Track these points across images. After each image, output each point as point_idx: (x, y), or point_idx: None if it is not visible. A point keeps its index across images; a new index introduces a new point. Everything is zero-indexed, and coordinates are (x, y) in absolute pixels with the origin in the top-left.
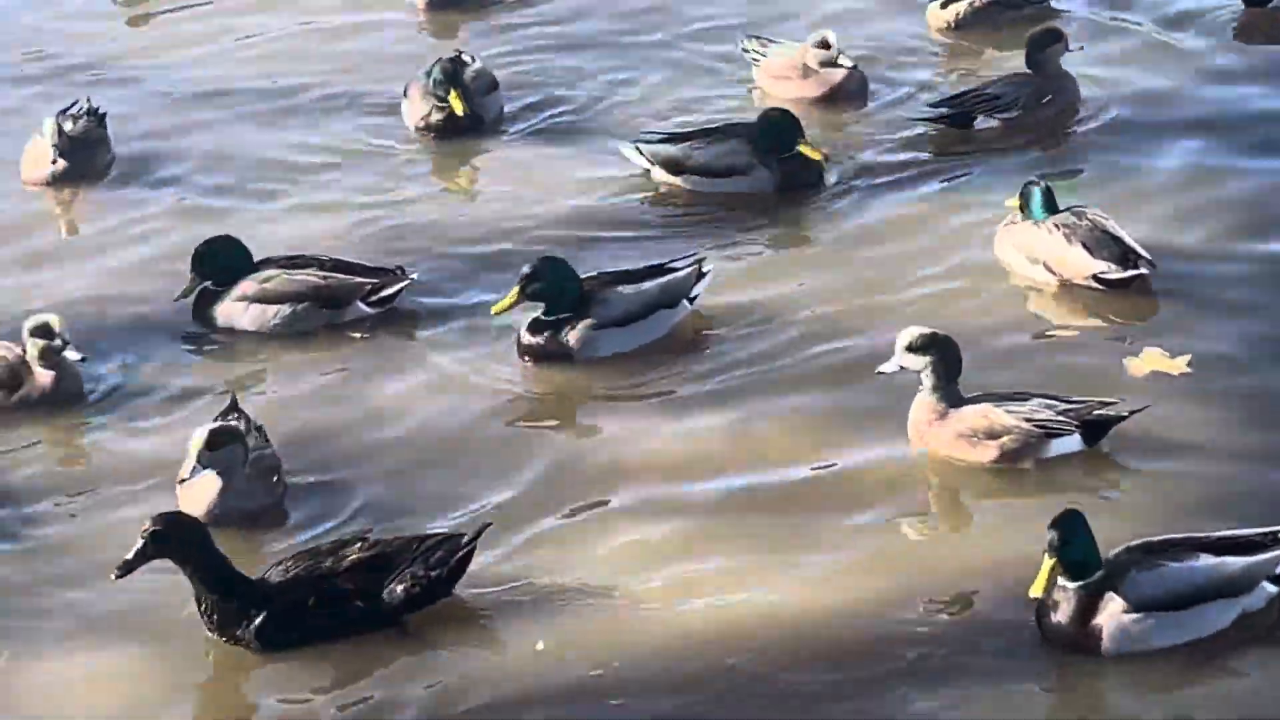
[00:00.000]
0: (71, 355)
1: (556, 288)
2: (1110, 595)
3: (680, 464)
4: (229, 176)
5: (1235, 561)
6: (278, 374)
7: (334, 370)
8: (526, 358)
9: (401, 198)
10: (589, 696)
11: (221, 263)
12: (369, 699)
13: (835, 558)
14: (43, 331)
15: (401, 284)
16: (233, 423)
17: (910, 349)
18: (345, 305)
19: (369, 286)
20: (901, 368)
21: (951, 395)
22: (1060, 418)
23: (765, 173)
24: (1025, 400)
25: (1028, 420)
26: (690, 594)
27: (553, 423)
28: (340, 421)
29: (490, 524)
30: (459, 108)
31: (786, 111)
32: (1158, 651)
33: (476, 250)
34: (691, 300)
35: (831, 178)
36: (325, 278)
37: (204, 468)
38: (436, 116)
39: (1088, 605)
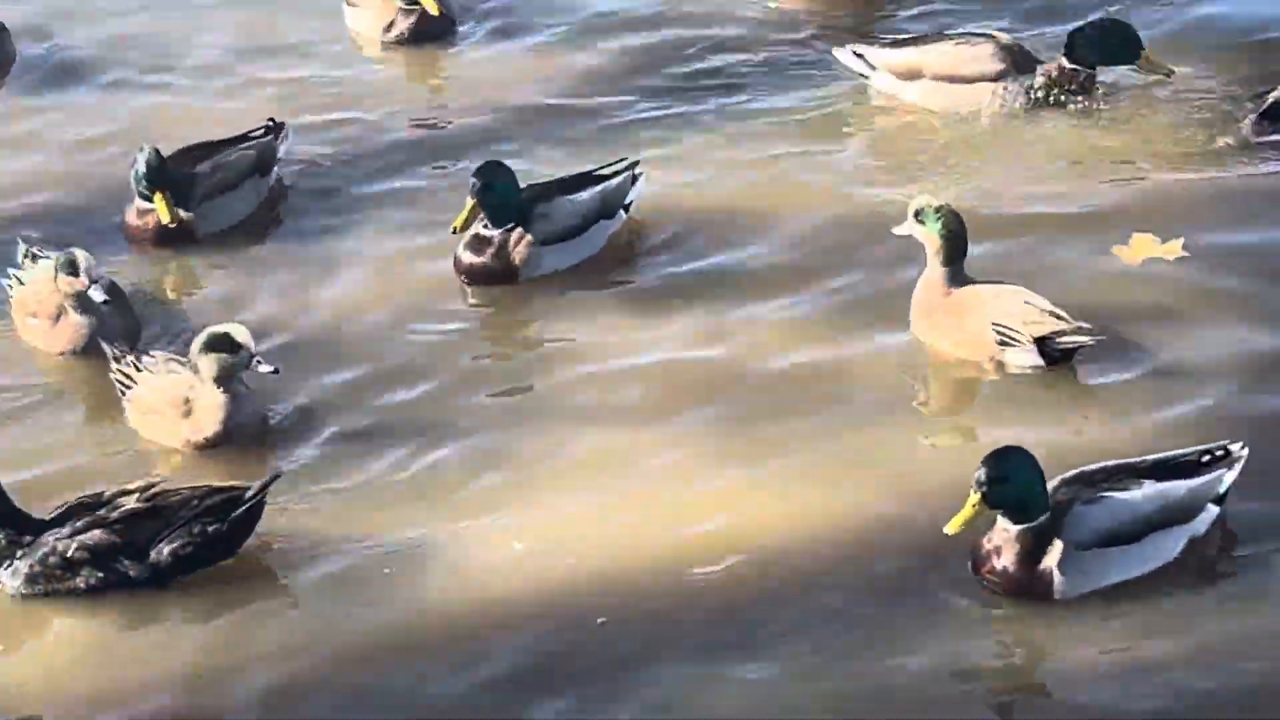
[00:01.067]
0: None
1: (503, 197)
2: (1056, 534)
3: (638, 370)
4: (156, 63)
5: (1180, 485)
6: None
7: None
8: (465, 278)
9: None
10: (554, 605)
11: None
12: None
13: (798, 464)
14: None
15: None
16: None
17: (916, 217)
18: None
19: None
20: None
21: (957, 275)
22: (1019, 330)
23: (1023, 81)
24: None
25: (995, 324)
26: (649, 507)
27: (501, 336)
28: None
29: (280, 474)
30: (433, 7)
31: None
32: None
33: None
34: (627, 209)
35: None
36: None
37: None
38: (404, 24)
39: (1033, 548)
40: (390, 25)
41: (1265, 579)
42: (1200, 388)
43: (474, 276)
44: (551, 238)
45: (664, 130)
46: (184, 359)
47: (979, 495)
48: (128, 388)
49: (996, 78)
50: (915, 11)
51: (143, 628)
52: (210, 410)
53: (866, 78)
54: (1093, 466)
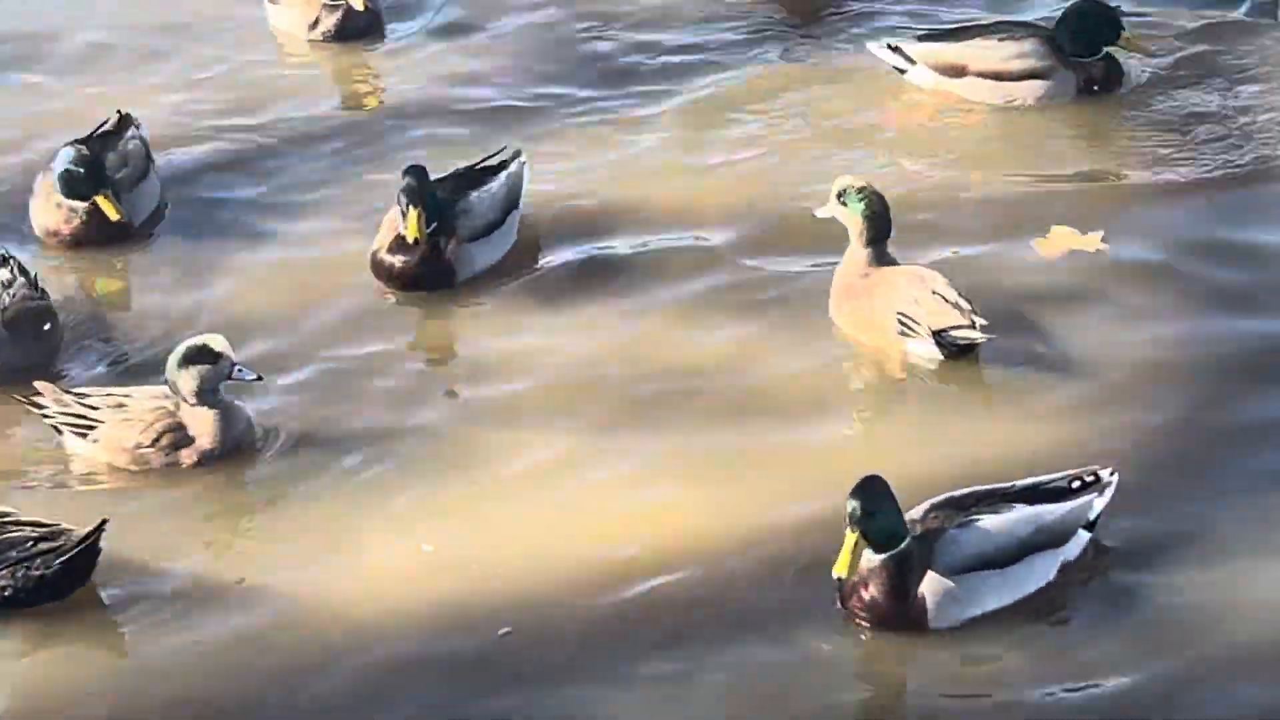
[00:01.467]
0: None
1: (432, 198)
2: (927, 559)
3: (563, 376)
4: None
5: (1053, 510)
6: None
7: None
8: (397, 283)
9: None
10: (464, 614)
11: None
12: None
13: (724, 476)
14: None
15: None
16: None
17: (839, 198)
18: None
19: None
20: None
21: (879, 257)
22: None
23: (1070, 76)
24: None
25: (899, 313)
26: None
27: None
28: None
29: (107, 520)
30: (358, 2)
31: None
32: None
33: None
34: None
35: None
36: None
37: None
38: (329, 21)
39: (901, 576)
40: (315, 22)
41: (1136, 601)
42: (1101, 384)
43: (406, 281)
44: (476, 234)
45: (589, 122)
46: (121, 391)
47: (858, 531)
48: (89, 429)
49: (1045, 74)
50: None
51: None
52: (204, 428)
53: (903, 71)
54: (962, 491)
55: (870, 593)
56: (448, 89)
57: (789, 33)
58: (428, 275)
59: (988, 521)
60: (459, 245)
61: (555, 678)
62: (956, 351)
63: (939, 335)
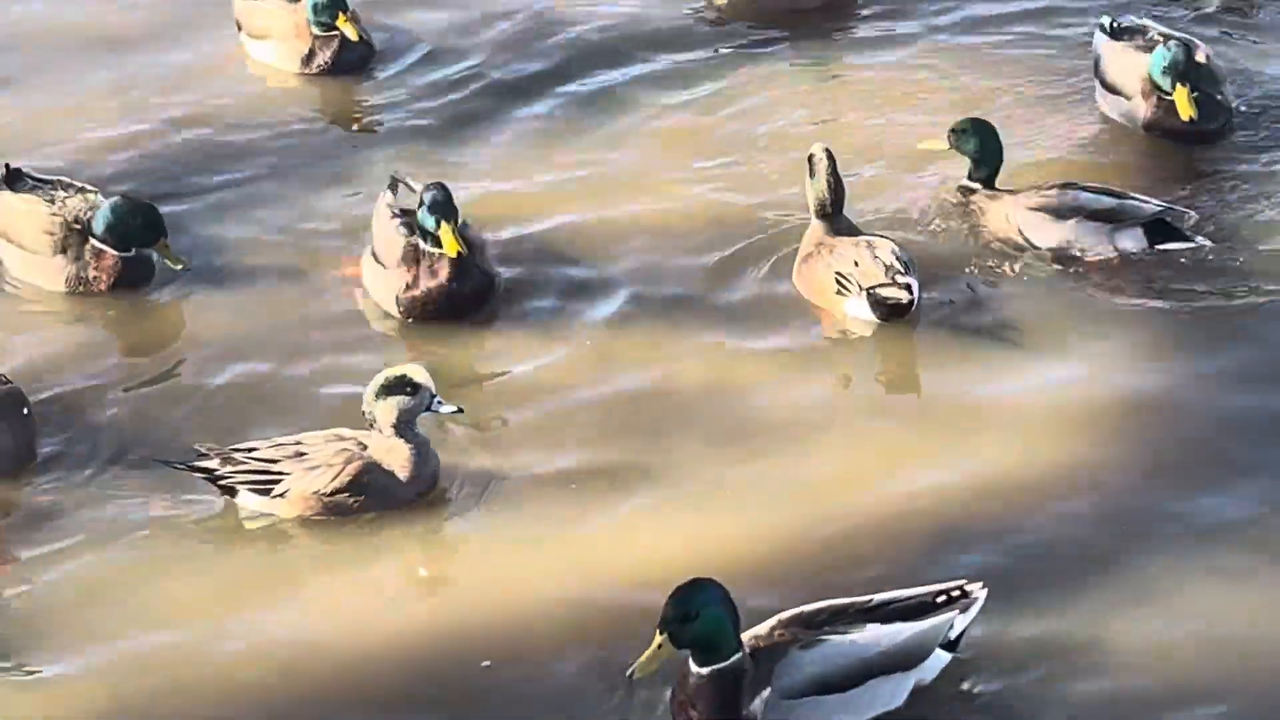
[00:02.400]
0: None
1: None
2: (766, 679)
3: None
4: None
5: (905, 629)
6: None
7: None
8: (440, 315)
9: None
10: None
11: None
12: None
13: (699, 500)
14: None
15: None
16: None
17: (810, 164)
18: None
19: None
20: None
21: (835, 226)
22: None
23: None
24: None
25: (837, 272)
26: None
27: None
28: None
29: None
30: (353, 32)
31: None
32: None
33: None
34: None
35: None
36: None
37: None
38: (324, 54)
39: (731, 694)
40: (309, 56)
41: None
42: (1040, 362)
43: (456, 305)
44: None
45: (585, 149)
46: (289, 439)
47: (665, 635)
48: (273, 483)
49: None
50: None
51: None
52: (401, 463)
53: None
54: (813, 606)
55: (697, 711)
56: (434, 119)
57: (765, 42)
58: (475, 294)
59: (833, 642)
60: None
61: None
62: (887, 312)
63: (870, 292)
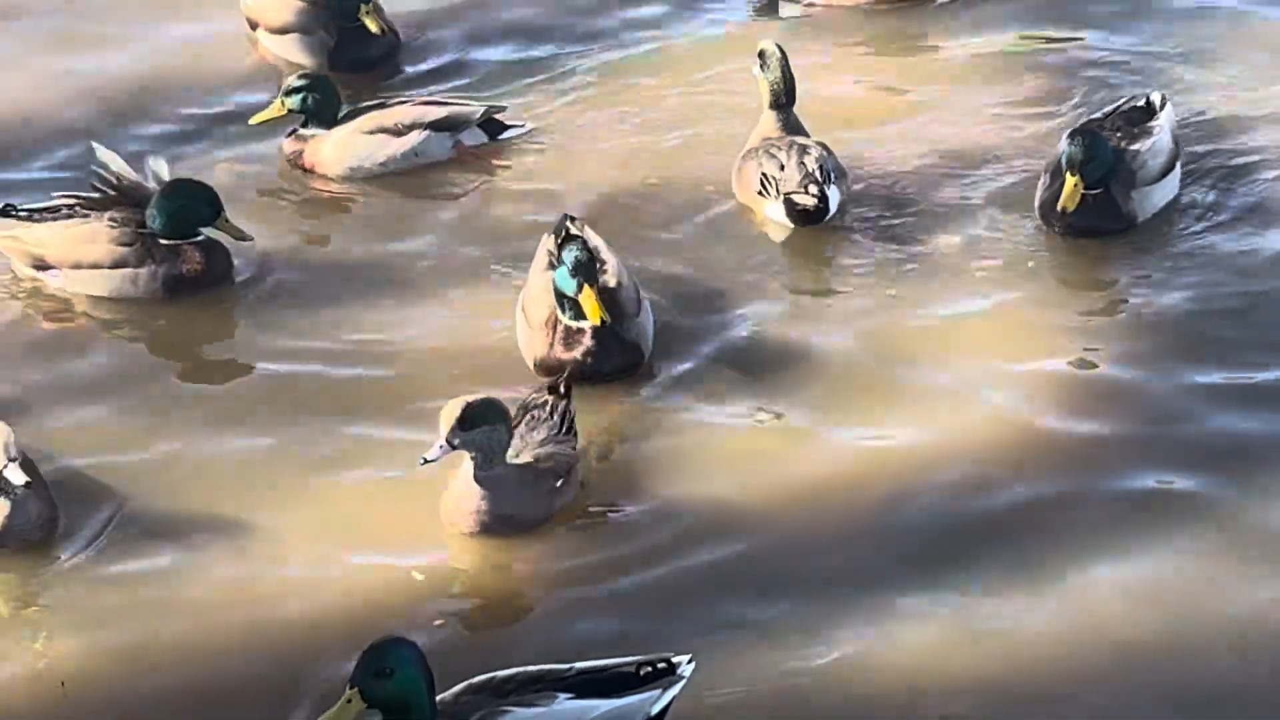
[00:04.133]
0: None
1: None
2: None
3: None
4: None
5: (600, 705)
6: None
7: None
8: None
9: None
10: None
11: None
12: None
13: None
14: None
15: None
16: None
17: (760, 59)
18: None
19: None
20: None
21: (785, 122)
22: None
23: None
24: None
25: (763, 173)
26: None
27: None
28: None
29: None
30: (373, 25)
31: None
32: None
33: None
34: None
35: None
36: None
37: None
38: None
39: None
40: (335, 50)
41: None
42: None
43: (599, 364)
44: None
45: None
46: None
47: (354, 690)
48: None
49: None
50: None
51: None
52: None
53: None
54: (506, 673)
55: None
56: None
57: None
58: (616, 372)
59: (515, 715)
60: (630, 321)
61: None
62: (797, 217)
63: (786, 197)
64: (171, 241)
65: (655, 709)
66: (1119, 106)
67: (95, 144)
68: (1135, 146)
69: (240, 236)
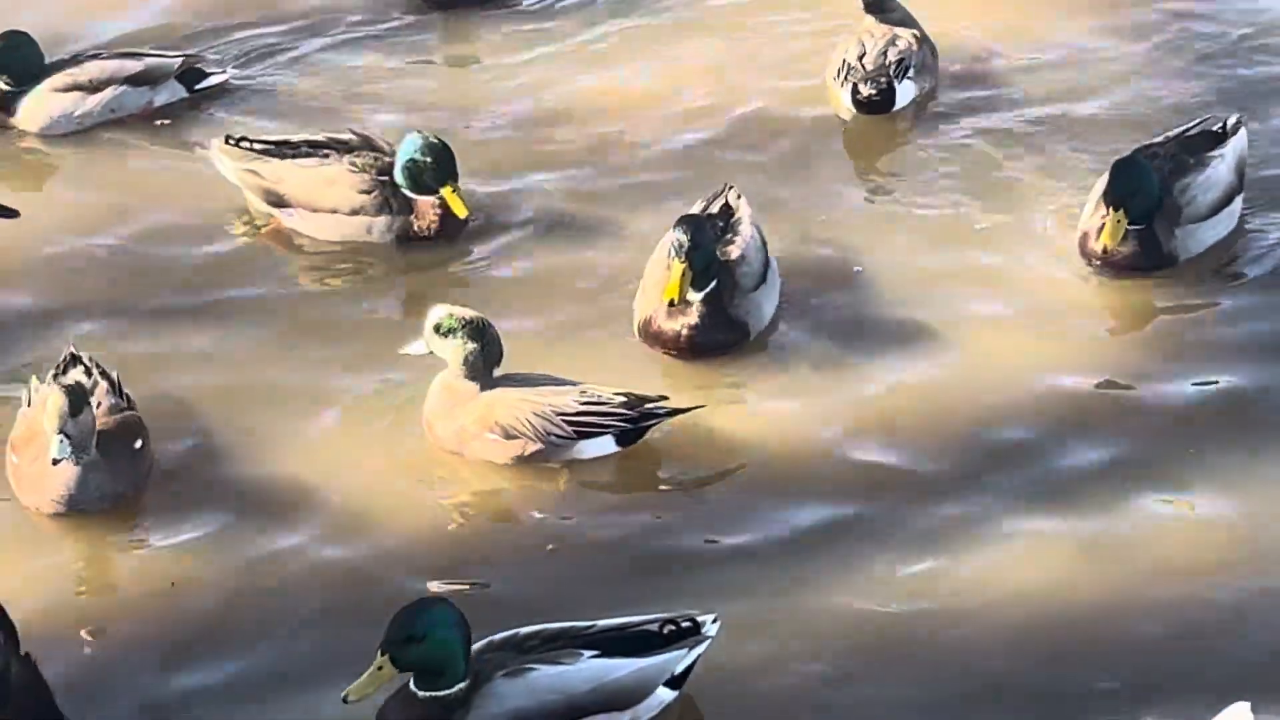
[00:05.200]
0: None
1: (708, 255)
2: (471, 710)
3: None
4: None
5: (624, 665)
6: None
7: None
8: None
9: None
10: None
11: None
12: None
13: None
14: None
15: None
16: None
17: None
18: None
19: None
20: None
21: (890, 15)
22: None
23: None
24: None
25: (846, 60)
26: None
27: None
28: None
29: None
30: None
31: None
32: None
33: None
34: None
35: None
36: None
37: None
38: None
39: None
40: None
41: None
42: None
43: (692, 348)
44: (756, 282)
45: None
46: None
47: (385, 656)
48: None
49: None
50: None
51: None
52: None
53: None
54: (529, 629)
55: None
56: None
57: None
58: (717, 346)
59: (539, 674)
60: (741, 297)
61: None
62: (858, 106)
63: (853, 85)
64: (414, 196)
65: (680, 667)
66: (1188, 129)
67: None
68: (1186, 179)
69: (463, 211)
